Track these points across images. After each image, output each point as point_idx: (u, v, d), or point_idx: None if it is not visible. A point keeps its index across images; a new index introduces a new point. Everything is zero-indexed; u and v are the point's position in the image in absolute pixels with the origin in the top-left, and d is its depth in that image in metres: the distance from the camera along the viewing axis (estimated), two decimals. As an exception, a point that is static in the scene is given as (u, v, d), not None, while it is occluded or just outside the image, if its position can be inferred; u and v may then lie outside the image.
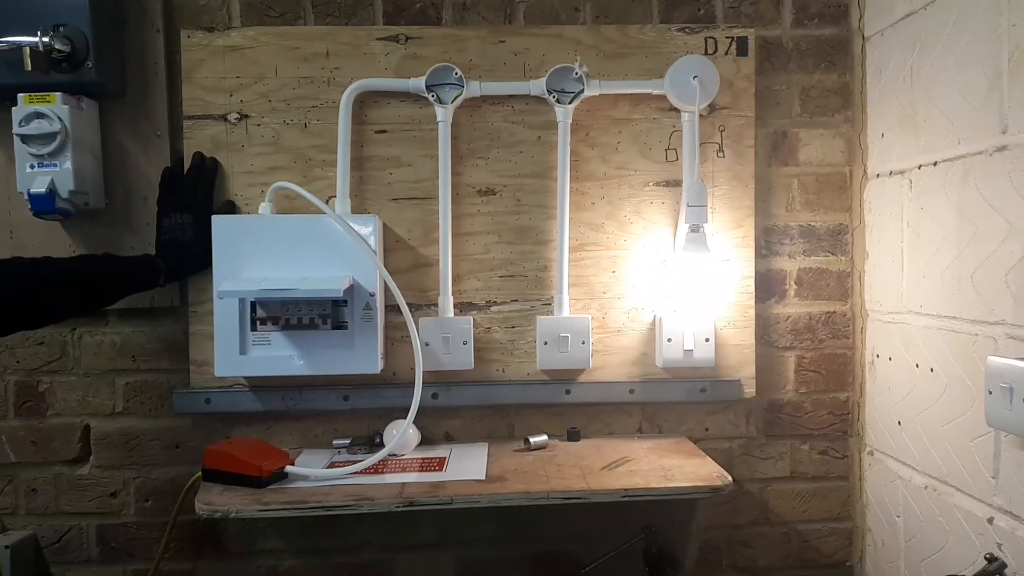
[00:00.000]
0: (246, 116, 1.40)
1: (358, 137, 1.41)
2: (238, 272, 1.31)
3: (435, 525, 1.50)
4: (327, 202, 1.34)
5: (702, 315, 1.43)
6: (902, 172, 1.35)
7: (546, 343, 1.42)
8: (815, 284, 1.52)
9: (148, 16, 1.40)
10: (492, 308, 1.44)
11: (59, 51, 1.27)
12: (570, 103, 1.40)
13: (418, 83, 1.38)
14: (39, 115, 1.28)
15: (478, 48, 1.41)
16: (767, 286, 1.51)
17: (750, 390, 1.47)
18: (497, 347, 1.44)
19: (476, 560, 1.51)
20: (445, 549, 1.51)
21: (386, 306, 1.39)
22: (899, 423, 1.37)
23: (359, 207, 1.41)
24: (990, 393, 1.05)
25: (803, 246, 1.52)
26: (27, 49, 1.24)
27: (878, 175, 1.44)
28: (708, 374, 1.46)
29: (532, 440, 1.40)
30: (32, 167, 1.30)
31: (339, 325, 1.33)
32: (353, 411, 1.44)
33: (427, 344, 1.39)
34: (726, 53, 1.44)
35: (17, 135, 1.29)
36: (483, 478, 1.24)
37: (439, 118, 1.39)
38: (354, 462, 1.27)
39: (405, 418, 1.28)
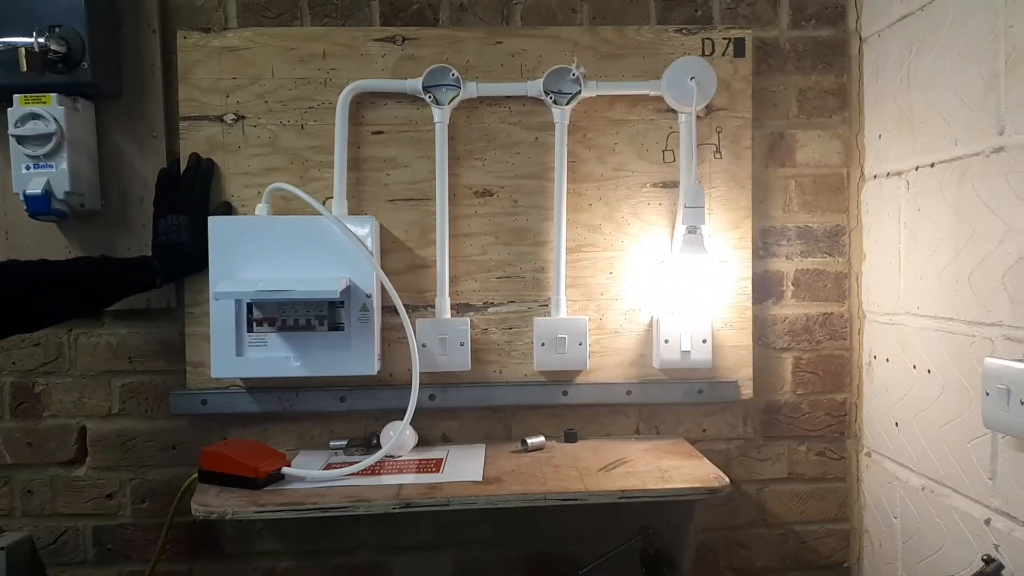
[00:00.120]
0: (242, 117, 1.40)
1: (355, 138, 1.41)
2: (234, 273, 1.30)
3: (432, 526, 1.50)
4: (324, 203, 1.34)
5: (699, 316, 1.43)
6: (899, 173, 1.35)
7: (543, 344, 1.42)
8: (812, 285, 1.52)
9: (144, 17, 1.40)
10: (489, 309, 1.44)
11: (55, 52, 1.27)
12: (567, 104, 1.40)
13: (415, 84, 1.38)
14: (35, 116, 1.28)
15: (475, 49, 1.41)
16: (764, 287, 1.51)
17: (747, 391, 1.47)
18: (494, 348, 1.44)
19: (473, 561, 1.51)
20: (442, 550, 1.51)
21: (383, 307, 1.39)
22: (896, 424, 1.37)
23: (356, 208, 1.41)
24: (987, 394, 1.05)
25: (800, 247, 1.51)
26: (23, 50, 1.24)
27: (875, 176, 1.44)
28: (705, 375, 1.46)
29: (529, 441, 1.40)
30: (28, 168, 1.29)
31: (336, 326, 1.33)
32: (350, 412, 1.44)
33: (424, 345, 1.39)
34: (723, 54, 1.44)
35: (13, 136, 1.28)
36: (480, 479, 1.24)
37: (436, 119, 1.39)
38: (351, 463, 1.27)
39: (402, 419, 1.28)
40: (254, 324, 1.33)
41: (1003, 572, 1.07)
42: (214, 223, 1.32)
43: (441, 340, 1.40)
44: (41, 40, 1.25)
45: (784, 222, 1.51)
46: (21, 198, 1.29)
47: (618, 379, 1.45)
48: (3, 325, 1.13)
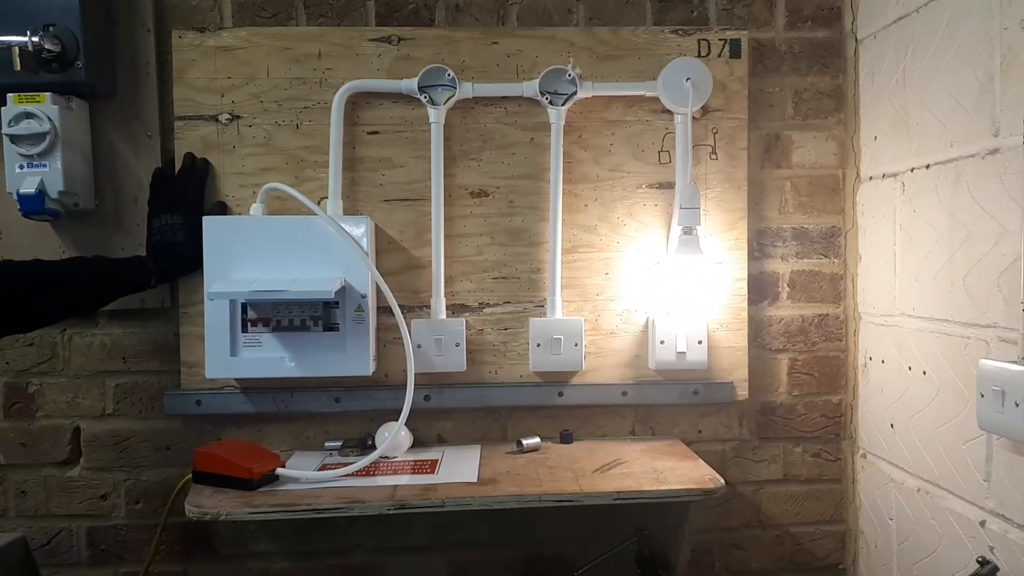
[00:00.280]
0: (237, 117, 1.39)
1: (350, 138, 1.40)
2: (229, 273, 1.30)
3: (427, 528, 1.49)
4: (319, 203, 1.33)
5: (695, 317, 1.43)
6: (895, 175, 1.35)
7: (539, 345, 1.42)
8: (808, 286, 1.52)
9: (139, 16, 1.39)
10: (485, 310, 1.44)
11: (49, 51, 1.26)
12: (563, 105, 1.39)
13: (410, 84, 1.38)
14: (28, 115, 1.27)
15: (471, 49, 1.41)
16: (760, 288, 1.51)
17: (743, 392, 1.47)
18: (490, 349, 1.44)
19: (468, 563, 1.51)
20: (437, 551, 1.51)
21: (378, 308, 1.39)
22: (892, 426, 1.37)
23: (351, 208, 1.40)
24: (982, 396, 1.05)
25: (796, 248, 1.51)
26: (16, 49, 1.23)
27: (871, 178, 1.44)
28: (701, 376, 1.46)
29: (524, 442, 1.40)
30: (21, 167, 1.29)
31: (331, 327, 1.33)
32: (345, 413, 1.43)
33: (419, 346, 1.39)
34: (719, 55, 1.44)
35: (6, 135, 1.28)
36: (475, 480, 1.23)
37: (432, 119, 1.39)
38: (346, 464, 1.26)
39: (397, 420, 1.27)
40: (249, 324, 1.33)
41: (998, 574, 1.07)
42: (209, 223, 1.31)
43: (436, 341, 1.40)
44: (35, 39, 1.25)
45: (780, 223, 1.51)
46: (15, 197, 1.29)
47: (614, 380, 1.45)
48: (-2, 325, 1.13)
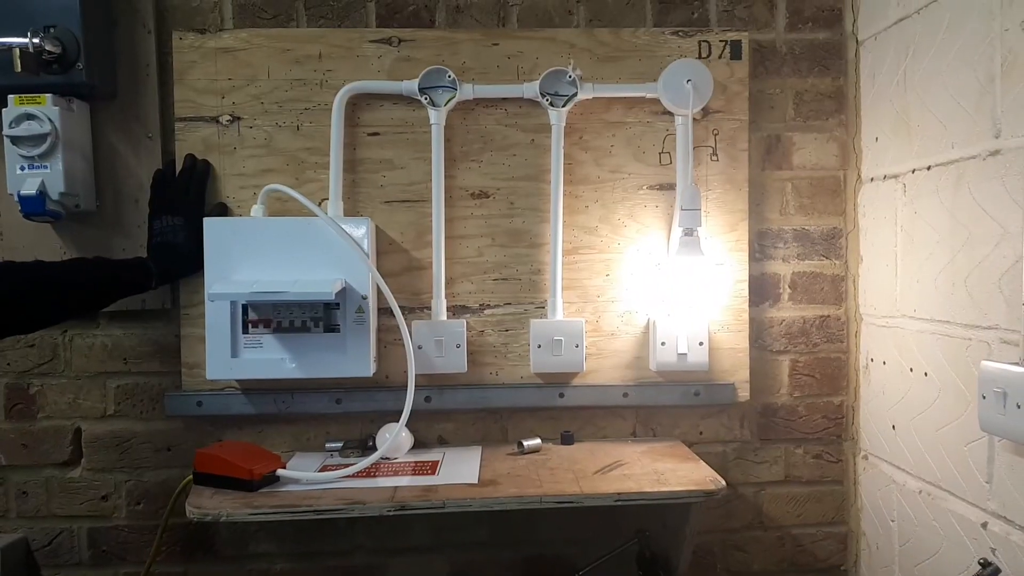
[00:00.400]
0: (238, 118, 1.39)
1: (351, 139, 1.40)
2: (230, 274, 1.30)
3: (428, 529, 1.49)
4: (319, 204, 1.33)
5: (696, 319, 1.43)
6: (896, 176, 1.35)
7: (539, 346, 1.42)
8: (809, 288, 1.52)
9: (139, 17, 1.39)
10: (485, 311, 1.44)
11: (49, 52, 1.27)
12: (563, 106, 1.39)
13: (411, 85, 1.38)
14: (29, 116, 1.28)
15: (471, 51, 1.41)
16: (761, 290, 1.51)
17: (744, 394, 1.47)
18: (490, 350, 1.44)
19: (469, 564, 1.51)
20: (438, 553, 1.50)
21: (379, 309, 1.39)
22: (893, 427, 1.37)
23: (352, 210, 1.40)
24: (983, 398, 1.05)
25: (797, 250, 1.51)
26: (17, 50, 1.23)
27: (872, 179, 1.44)
28: (702, 378, 1.45)
29: (525, 444, 1.40)
30: (22, 169, 1.29)
31: (331, 328, 1.33)
32: (346, 414, 1.43)
33: (420, 347, 1.39)
34: (720, 57, 1.43)
35: (7, 136, 1.28)
36: (476, 482, 1.23)
37: (432, 121, 1.39)
38: (346, 465, 1.26)
39: (398, 421, 1.27)
40: (249, 325, 1.33)
41: (999, 576, 1.07)
42: (209, 224, 1.31)
43: (437, 342, 1.40)
44: (36, 40, 1.25)
45: (781, 225, 1.51)
46: (15, 199, 1.29)
47: (615, 381, 1.45)
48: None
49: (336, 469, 1.26)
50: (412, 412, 1.27)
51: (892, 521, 1.38)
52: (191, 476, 1.25)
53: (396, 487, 1.21)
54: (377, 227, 1.41)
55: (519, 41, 1.42)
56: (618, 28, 1.44)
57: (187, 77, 1.39)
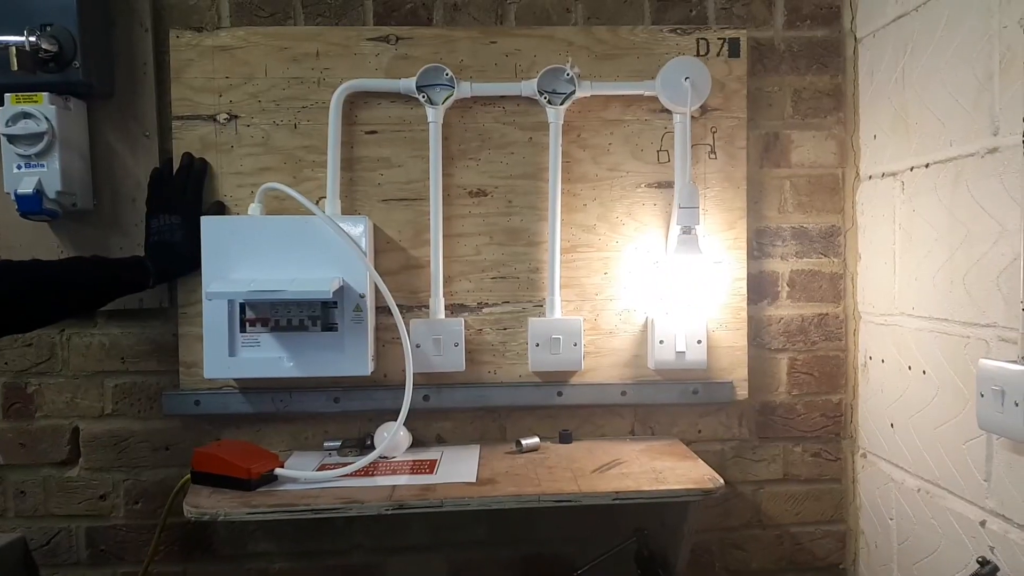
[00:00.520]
0: (235, 116, 1.39)
1: (348, 138, 1.40)
2: (227, 273, 1.30)
3: (426, 528, 1.49)
4: (317, 203, 1.33)
5: (694, 317, 1.43)
6: (894, 174, 1.35)
7: (538, 345, 1.42)
8: (807, 286, 1.52)
9: (136, 16, 1.39)
10: (483, 310, 1.44)
11: (46, 51, 1.26)
12: (561, 104, 1.39)
13: (409, 84, 1.38)
14: (26, 115, 1.27)
15: (469, 49, 1.41)
16: (759, 288, 1.50)
17: (742, 392, 1.47)
18: (488, 349, 1.44)
19: (467, 563, 1.51)
20: (436, 551, 1.50)
21: (376, 308, 1.38)
22: (892, 425, 1.37)
23: (349, 208, 1.40)
24: (982, 396, 1.05)
25: (795, 248, 1.51)
26: (13, 49, 1.23)
27: (870, 177, 1.44)
28: (700, 376, 1.45)
29: (524, 442, 1.39)
30: (19, 167, 1.29)
31: (329, 327, 1.33)
32: (344, 413, 1.43)
33: (418, 346, 1.39)
34: (718, 54, 1.43)
35: (4, 135, 1.28)
36: (474, 480, 1.23)
37: (430, 119, 1.38)
38: (345, 464, 1.26)
39: (396, 420, 1.27)
40: (247, 324, 1.32)
41: (998, 574, 1.07)
42: (207, 223, 1.31)
43: (435, 341, 1.39)
44: (32, 39, 1.24)
45: (779, 223, 1.51)
46: (12, 197, 1.29)
47: (613, 380, 1.45)
48: (-4, 326, 1.13)
49: (334, 468, 1.26)
50: (410, 411, 1.27)
51: (891, 519, 1.38)
52: (189, 475, 1.25)
53: (394, 486, 1.21)
54: (375, 225, 1.41)
55: (517, 39, 1.42)
56: (616, 26, 1.44)
57: (184, 75, 1.38)
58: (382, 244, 1.41)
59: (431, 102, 1.38)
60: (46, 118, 1.28)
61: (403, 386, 1.27)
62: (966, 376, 1.14)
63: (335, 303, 1.32)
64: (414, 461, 1.33)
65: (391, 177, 1.41)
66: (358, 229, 1.32)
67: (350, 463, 1.26)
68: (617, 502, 1.18)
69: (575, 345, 1.41)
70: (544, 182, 1.42)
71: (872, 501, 1.45)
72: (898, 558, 1.36)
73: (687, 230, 1.37)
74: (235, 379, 1.39)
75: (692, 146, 1.42)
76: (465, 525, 1.49)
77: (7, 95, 1.28)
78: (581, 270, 1.44)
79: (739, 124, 1.45)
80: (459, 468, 1.30)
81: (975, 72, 1.11)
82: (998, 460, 1.08)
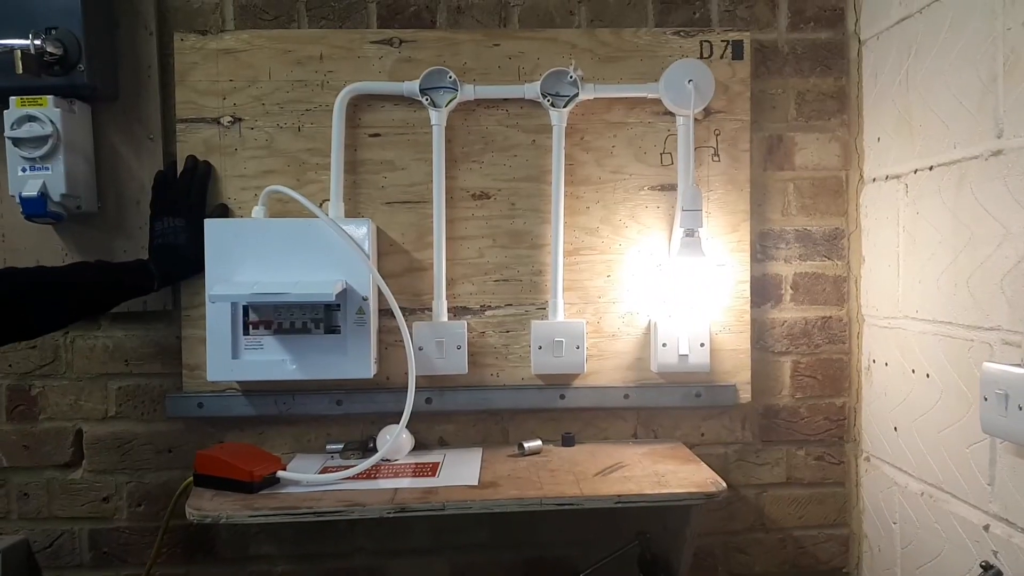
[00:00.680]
0: (239, 119, 1.39)
1: (352, 140, 1.40)
2: (230, 276, 1.30)
3: (428, 531, 1.49)
4: (320, 206, 1.33)
5: (697, 320, 1.42)
6: (898, 176, 1.34)
7: (540, 348, 1.41)
8: (811, 289, 1.51)
9: (141, 19, 1.39)
10: (486, 312, 1.44)
11: (51, 54, 1.27)
12: (565, 107, 1.39)
13: (412, 86, 1.38)
14: (31, 118, 1.28)
15: (472, 51, 1.41)
16: (763, 291, 1.50)
17: (746, 395, 1.46)
18: (491, 351, 1.44)
19: (470, 566, 1.51)
20: (438, 555, 1.50)
21: (379, 310, 1.38)
22: (895, 429, 1.36)
23: (352, 211, 1.40)
24: (985, 399, 1.04)
25: (799, 251, 1.51)
26: (18, 52, 1.23)
27: (874, 179, 1.43)
28: (703, 379, 1.45)
29: (526, 445, 1.39)
30: (24, 170, 1.29)
31: (332, 329, 1.33)
32: (346, 416, 1.43)
33: (420, 348, 1.39)
34: (721, 57, 1.43)
35: (8, 138, 1.28)
36: (476, 484, 1.23)
37: (433, 121, 1.38)
38: (347, 467, 1.26)
39: (398, 423, 1.27)
40: (250, 327, 1.33)
41: (1002, 578, 1.07)
42: (210, 225, 1.31)
43: (438, 343, 1.39)
44: (37, 42, 1.25)
45: (783, 225, 1.51)
46: (17, 200, 1.29)
47: (616, 383, 1.45)
48: (1, 332, 1.13)
49: (337, 471, 1.26)
50: (413, 414, 1.27)
51: (894, 523, 1.38)
52: (191, 478, 1.25)
53: (396, 489, 1.21)
54: (378, 228, 1.41)
55: (520, 41, 1.42)
56: (619, 28, 1.44)
57: (188, 78, 1.39)
58: (385, 247, 1.42)
59: (434, 105, 1.38)
60: (51, 121, 1.28)
61: (406, 389, 1.27)
62: (970, 380, 1.13)
63: (338, 306, 1.32)
64: (416, 464, 1.33)
65: (394, 180, 1.42)
66: (361, 232, 1.32)
67: (352, 466, 1.26)
68: (619, 505, 1.18)
69: (578, 348, 1.41)
70: (547, 185, 1.42)
71: (875, 505, 1.45)
72: (902, 562, 1.36)
73: (690, 233, 1.37)
74: (238, 381, 1.39)
75: (695, 149, 1.42)
76: (467, 528, 1.49)
77: (12, 98, 1.28)
78: (584, 273, 1.44)
79: (742, 126, 1.45)
80: (461, 471, 1.30)
81: (979, 74, 1.11)
82: (1002, 464, 1.08)
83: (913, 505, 1.31)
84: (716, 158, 1.45)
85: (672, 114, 1.42)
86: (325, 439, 1.43)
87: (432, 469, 1.30)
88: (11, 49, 1.24)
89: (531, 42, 1.42)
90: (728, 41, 1.43)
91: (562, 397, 1.44)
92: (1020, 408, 0.98)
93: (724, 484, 1.21)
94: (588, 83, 1.40)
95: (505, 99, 1.42)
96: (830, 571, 1.55)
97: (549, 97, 1.39)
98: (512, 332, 1.44)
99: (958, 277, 1.16)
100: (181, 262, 1.35)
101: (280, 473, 1.23)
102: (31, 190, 1.28)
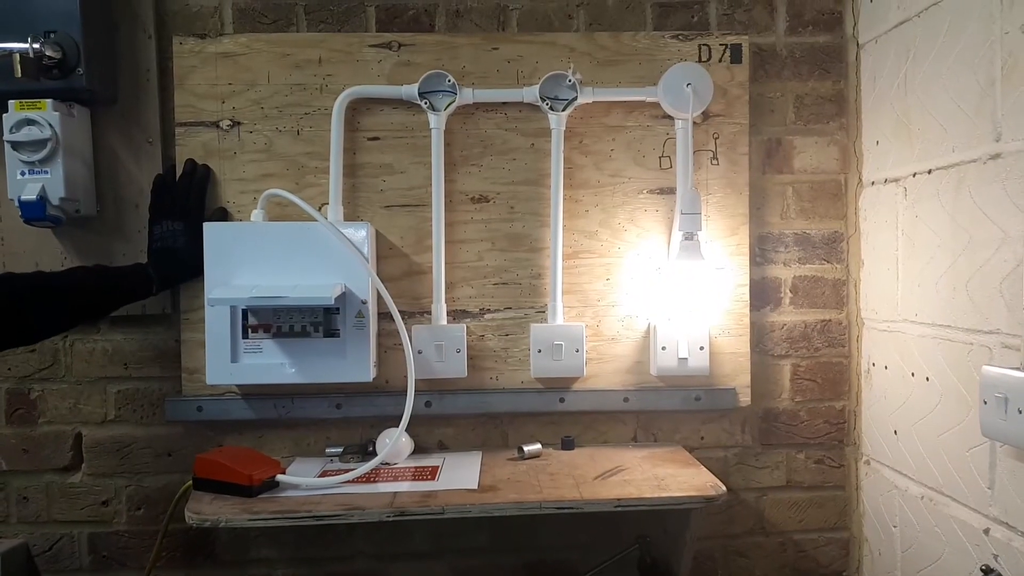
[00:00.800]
0: (238, 123, 1.40)
1: (351, 144, 1.40)
2: (229, 279, 1.30)
3: (428, 535, 1.49)
4: (319, 209, 1.33)
5: (697, 323, 1.42)
6: (896, 180, 1.34)
7: (540, 351, 1.41)
8: (810, 292, 1.51)
9: (140, 23, 1.40)
10: (485, 316, 1.44)
11: (50, 58, 1.27)
12: (563, 110, 1.39)
13: (411, 90, 1.38)
14: (30, 122, 1.28)
15: (471, 55, 1.41)
16: (762, 294, 1.50)
17: (745, 399, 1.46)
18: (491, 355, 1.44)
19: (469, 569, 1.50)
20: (438, 558, 1.50)
21: (378, 313, 1.38)
22: (895, 432, 1.36)
23: (352, 214, 1.40)
24: (985, 403, 1.04)
25: (798, 254, 1.51)
26: (17, 56, 1.24)
27: (873, 183, 1.44)
28: (703, 382, 1.45)
29: (526, 449, 1.39)
30: (23, 174, 1.29)
31: (331, 333, 1.33)
32: (346, 419, 1.43)
33: (420, 352, 1.39)
34: (720, 60, 1.43)
35: (8, 142, 1.28)
36: (476, 487, 1.23)
37: (432, 125, 1.38)
38: (347, 471, 1.26)
39: (398, 426, 1.27)
40: (249, 330, 1.33)
41: (1001, 582, 1.07)
42: (209, 229, 1.31)
43: (437, 347, 1.39)
44: (36, 46, 1.25)
45: (782, 228, 1.51)
46: (16, 204, 1.29)
47: (615, 386, 1.45)
48: (1, 337, 1.13)
49: (336, 474, 1.26)
50: (412, 417, 1.27)
51: (894, 527, 1.38)
52: (191, 481, 1.24)
53: (396, 493, 1.21)
54: (377, 231, 1.41)
55: (519, 45, 1.42)
56: (618, 32, 1.44)
57: (187, 82, 1.39)
58: (384, 250, 1.42)
59: (433, 108, 1.38)
60: (50, 125, 1.28)
61: (405, 392, 1.27)
62: (969, 383, 1.13)
63: (337, 309, 1.32)
64: (416, 467, 1.33)
65: (393, 183, 1.42)
66: (360, 235, 1.32)
67: (352, 469, 1.26)
68: (619, 509, 1.18)
69: (577, 351, 1.41)
70: (546, 188, 1.42)
71: (876, 508, 1.45)
72: (902, 566, 1.36)
73: (689, 236, 1.36)
74: (237, 385, 1.39)
75: (694, 152, 1.42)
76: (467, 532, 1.49)
77: (11, 102, 1.28)
78: (583, 276, 1.44)
79: (741, 130, 1.45)
80: (461, 475, 1.29)
81: (977, 78, 1.11)
82: (1002, 468, 1.08)
83: (913, 509, 1.31)
84: (715, 161, 1.45)
85: (671, 118, 1.42)
86: (324, 443, 1.43)
87: (432, 473, 1.30)
88: (10, 53, 1.24)
89: (530, 46, 1.42)
90: (726, 45, 1.43)
91: (561, 400, 1.44)
92: (1020, 412, 0.98)
93: (724, 488, 1.21)
94: (587, 87, 1.40)
95: (504, 103, 1.42)
96: (830, 575, 1.55)
97: (548, 101, 1.39)
98: (511, 335, 1.44)
99: (957, 280, 1.17)
100: (180, 266, 1.35)
101: (279, 477, 1.23)
102: (30, 194, 1.28)
